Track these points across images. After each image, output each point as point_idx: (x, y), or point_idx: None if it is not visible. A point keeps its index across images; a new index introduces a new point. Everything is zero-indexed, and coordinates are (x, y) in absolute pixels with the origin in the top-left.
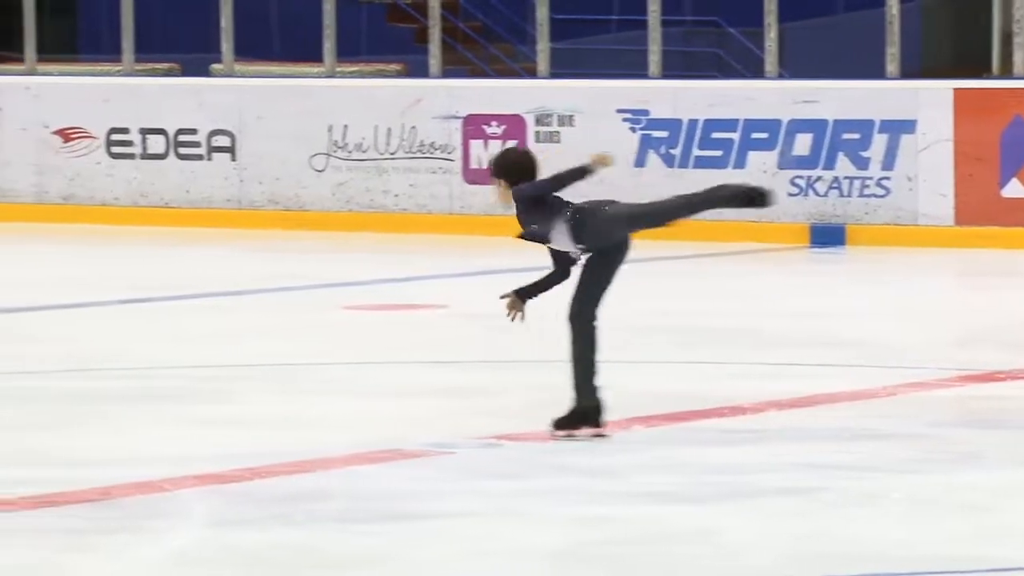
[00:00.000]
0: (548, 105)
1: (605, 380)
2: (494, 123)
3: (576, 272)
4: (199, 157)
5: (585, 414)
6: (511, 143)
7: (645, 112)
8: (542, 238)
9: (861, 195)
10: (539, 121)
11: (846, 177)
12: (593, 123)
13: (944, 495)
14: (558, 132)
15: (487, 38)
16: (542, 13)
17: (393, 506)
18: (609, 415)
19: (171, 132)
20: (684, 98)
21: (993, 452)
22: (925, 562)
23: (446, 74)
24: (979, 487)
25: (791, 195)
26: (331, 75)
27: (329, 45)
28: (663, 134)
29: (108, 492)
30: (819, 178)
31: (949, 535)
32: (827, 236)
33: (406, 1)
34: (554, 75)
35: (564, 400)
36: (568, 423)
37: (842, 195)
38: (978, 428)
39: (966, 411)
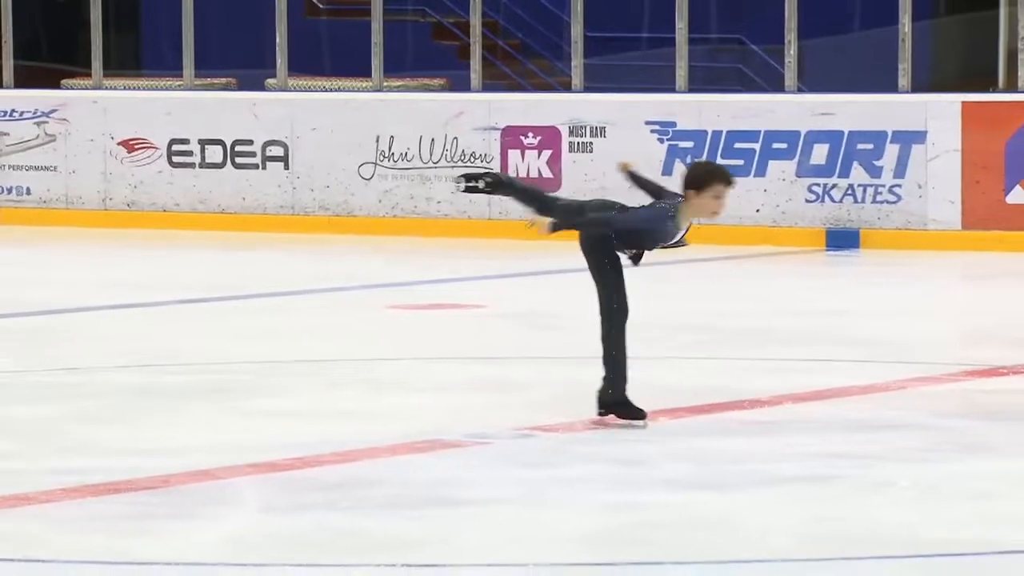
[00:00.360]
0: (581, 117)
1: (634, 376)
2: (531, 134)
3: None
4: (254, 166)
5: (619, 405)
6: (547, 152)
7: (672, 124)
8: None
9: (874, 201)
10: (573, 132)
11: (860, 185)
12: (623, 134)
13: (951, 483)
14: (591, 143)
15: (525, 55)
16: (576, 31)
17: (434, 493)
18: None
19: (228, 143)
20: (709, 111)
21: (997, 442)
22: (933, 545)
23: (486, 88)
24: (984, 475)
25: (808, 201)
26: (378, 89)
27: (377, 61)
28: (689, 144)
29: (167, 480)
30: (835, 185)
31: (956, 520)
32: (842, 240)
33: (449, 20)
34: (587, 89)
35: (593, 394)
36: (624, 414)
37: (856, 201)
38: (983, 420)
39: (972, 404)
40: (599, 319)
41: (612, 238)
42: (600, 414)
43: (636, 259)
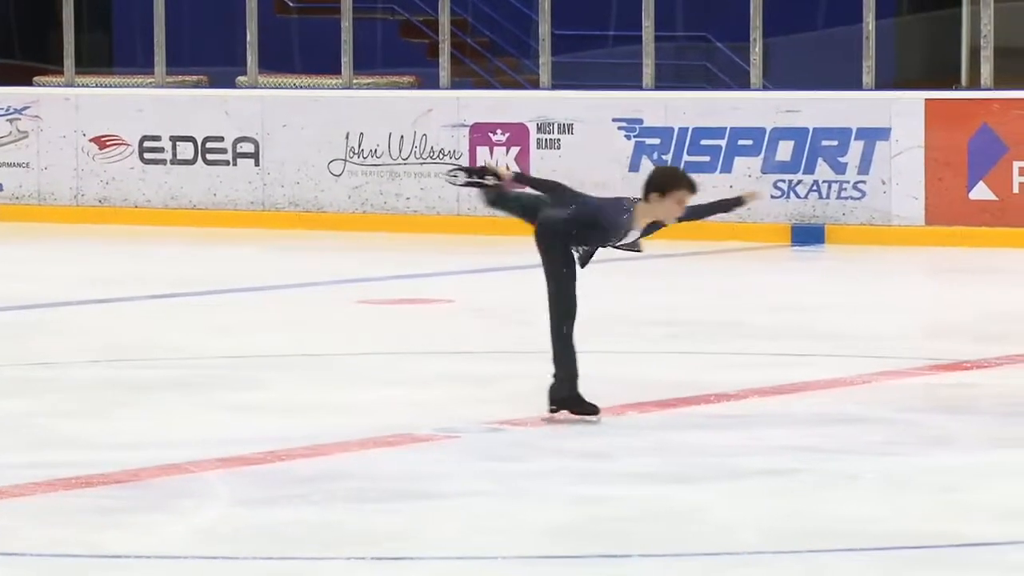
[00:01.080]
0: (549, 114)
1: (603, 370)
2: (499, 131)
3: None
4: (225, 163)
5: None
6: (515, 149)
7: (639, 121)
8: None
9: (839, 197)
10: (541, 129)
11: (825, 181)
12: (591, 131)
13: (916, 475)
14: (559, 139)
15: (493, 52)
16: (544, 29)
17: (405, 486)
18: (605, 402)
19: (199, 139)
20: (675, 108)
21: (961, 436)
22: (898, 537)
23: (455, 86)
24: (948, 468)
25: (774, 197)
26: (348, 87)
27: (346, 59)
28: (656, 141)
29: (138, 474)
30: (800, 182)
31: (921, 512)
32: (807, 235)
33: (419, 18)
34: (555, 86)
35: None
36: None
37: (821, 197)
38: (947, 413)
39: (936, 397)
40: (548, 315)
41: (569, 234)
42: (552, 411)
43: (585, 260)
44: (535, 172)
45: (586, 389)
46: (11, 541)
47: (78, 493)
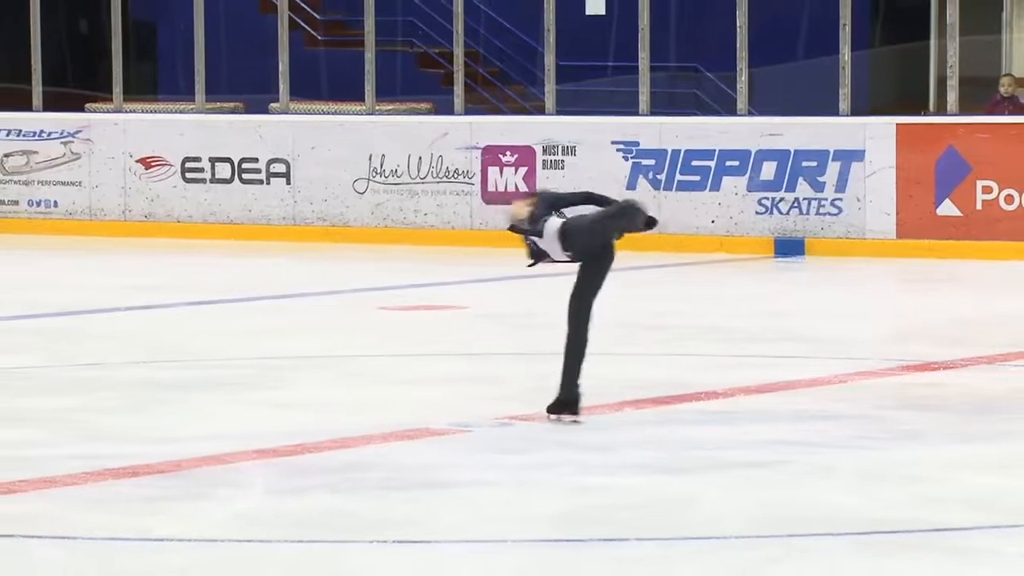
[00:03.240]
0: (554, 137)
1: (602, 371)
2: (508, 153)
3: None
4: (260, 182)
5: (567, 403)
6: (523, 169)
7: (636, 143)
8: (538, 250)
9: (818, 213)
10: (546, 151)
11: (805, 198)
12: (592, 153)
13: (888, 468)
14: (562, 160)
15: (503, 81)
16: (549, 60)
17: (422, 476)
18: (604, 399)
19: (236, 160)
20: (669, 132)
21: (930, 430)
22: (873, 524)
23: (468, 112)
24: (918, 461)
25: (758, 213)
26: (371, 112)
27: (369, 87)
28: (651, 162)
29: (179, 465)
30: (782, 199)
31: (893, 502)
32: (789, 248)
33: (435, 50)
34: (559, 112)
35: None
36: (556, 409)
37: (802, 213)
38: (917, 410)
39: (906, 396)
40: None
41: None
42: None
43: (537, 259)
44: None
45: (588, 387)
46: (65, 526)
47: (125, 482)
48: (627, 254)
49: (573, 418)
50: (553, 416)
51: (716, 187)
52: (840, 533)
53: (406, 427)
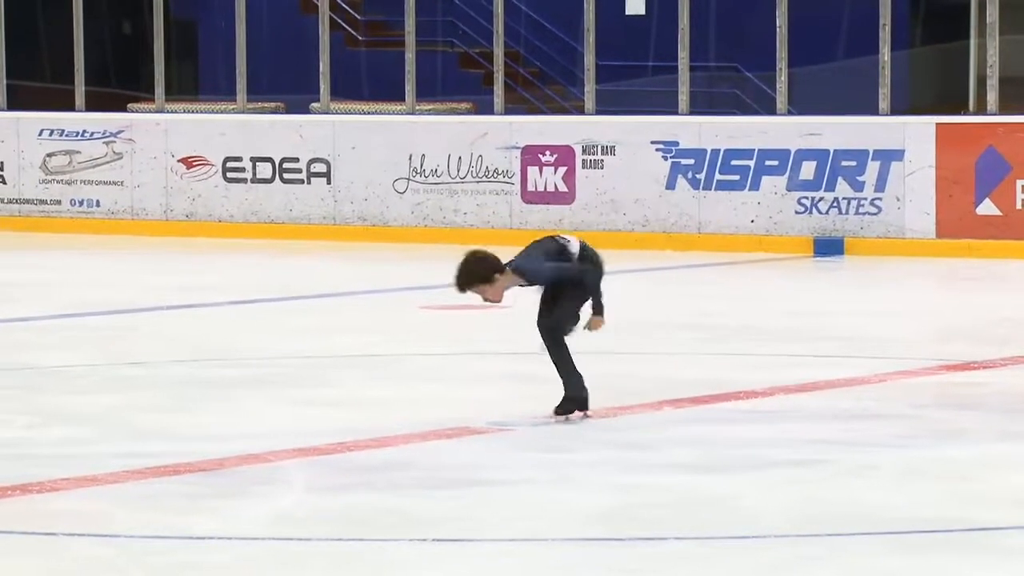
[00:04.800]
0: (593, 137)
1: (642, 370)
2: (548, 152)
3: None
4: (300, 181)
5: (575, 401)
6: (563, 169)
7: (675, 143)
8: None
9: (857, 213)
10: (585, 151)
11: (844, 198)
12: (631, 152)
13: (929, 466)
14: (602, 160)
15: (543, 81)
16: (589, 60)
17: (463, 475)
18: (644, 398)
19: (277, 160)
20: (708, 131)
21: (969, 429)
22: (913, 522)
23: (508, 111)
24: (959, 459)
25: (798, 213)
26: (411, 112)
27: (410, 87)
28: (690, 162)
29: (222, 463)
30: (822, 198)
31: (934, 500)
32: (828, 247)
33: (475, 50)
34: (599, 112)
35: (605, 386)
36: (564, 409)
37: (841, 213)
38: (957, 409)
39: (946, 395)
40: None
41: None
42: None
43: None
44: (579, 191)
45: (628, 387)
46: (108, 524)
47: (167, 480)
48: (666, 254)
49: (583, 414)
50: (561, 416)
51: (755, 187)
52: (881, 532)
53: (447, 426)
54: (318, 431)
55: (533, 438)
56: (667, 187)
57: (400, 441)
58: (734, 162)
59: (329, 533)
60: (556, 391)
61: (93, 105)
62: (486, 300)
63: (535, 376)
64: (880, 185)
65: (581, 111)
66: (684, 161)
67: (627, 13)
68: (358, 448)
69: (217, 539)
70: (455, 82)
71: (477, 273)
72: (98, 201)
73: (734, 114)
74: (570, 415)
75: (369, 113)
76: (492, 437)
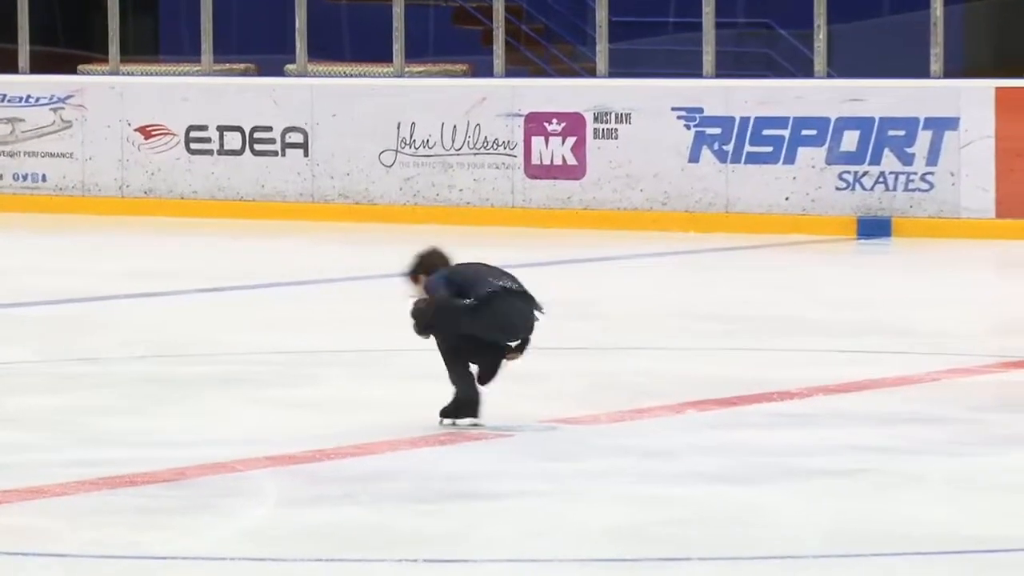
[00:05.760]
0: (606, 103)
1: (661, 367)
2: (555, 120)
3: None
4: (274, 153)
5: (465, 404)
6: (572, 139)
7: (699, 110)
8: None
9: (906, 189)
10: (598, 119)
11: (891, 172)
12: (649, 121)
13: (986, 477)
14: (616, 129)
15: (548, 39)
16: (601, 15)
17: (456, 487)
18: (663, 400)
19: (247, 129)
20: (736, 97)
21: None
22: (969, 541)
23: (509, 74)
24: (1020, 469)
25: (839, 189)
26: (399, 75)
27: (398, 46)
28: (716, 131)
29: (182, 472)
30: (866, 173)
31: (990, 515)
32: (874, 228)
33: (472, 5)
34: (612, 74)
35: (618, 385)
36: (451, 413)
37: (888, 189)
38: (1018, 412)
39: (1007, 396)
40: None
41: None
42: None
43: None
44: (590, 164)
45: (645, 386)
46: (51, 542)
47: (121, 492)
48: (689, 236)
49: (472, 421)
50: (447, 421)
51: (791, 160)
52: (930, 552)
53: (438, 431)
54: (293, 437)
55: (536, 445)
56: (690, 160)
57: (385, 448)
58: (766, 132)
59: (305, 552)
60: (564, 392)
61: (39, 66)
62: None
63: (540, 374)
64: (932, 158)
65: (592, 73)
66: (709, 130)
67: None
68: (338, 456)
69: (178, 559)
70: (449, 41)
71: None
72: (45, 176)
73: (766, 77)
74: (457, 420)
75: (352, 76)
76: (490, 443)
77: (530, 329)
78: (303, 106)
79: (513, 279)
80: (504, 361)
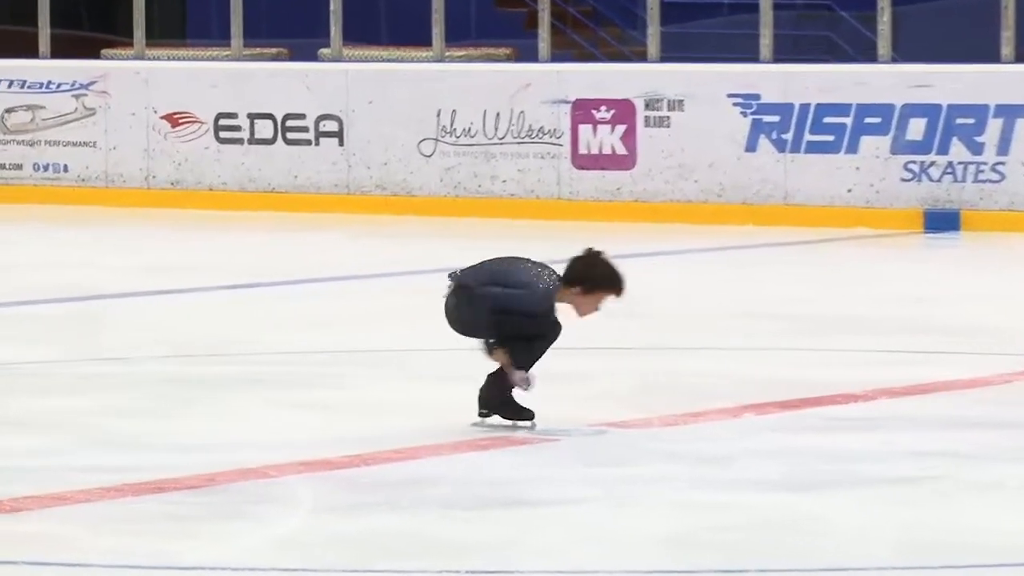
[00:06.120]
0: (658, 89)
1: (717, 368)
2: (603, 108)
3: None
4: (307, 142)
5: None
6: (621, 128)
7: (756, 96)
8: None
9: (976, 180)
10: (648, 106)
11: (960, 162)
12: (703, 108)
13: None
14: (668, 117)
15: (597, 22)
16: None
17: (500, 493)
18: (719, 402)
19: (279, 117)
20: (795, 82)
21: None
22: None
23: (555, 58)
24: None
25: (904, 180)
26: (440, 59)
27: (438, 29)
28: (774, 119)
29: (212, 478)
30: (933, 163)
31: None
32: (941, 222)
33: None
34: (664, 59)
35: (671, 387)
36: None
37: (956, 180)
38: None
39: None
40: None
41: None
42: (482, 415)
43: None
44: (641, 154)
45: (699, 388)
46: (74, 551)
47: (148, 499)
48: (746, 229)
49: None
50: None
51: (853, 149)
52: (1004, 564)
53: (480, 435)
54: (328, 440)
55: (584, 449)
56: (746, 149)
57: (425, 452)
58: (827, 119)
59: (341, 562)
60: (613, 394)
61: (60, 51)
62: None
63: (587, 375)
64: (1003, 147)
65: (643, 58)
66: (767, 118)
67: None
68: (376, 461)
69: (208, 569)
70: (492, 23)
71: None
72: (66, 166)
73: (826, 61)
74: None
75: (389, 60)
76: (534, 448)
77: (453, 326)
78: (338, 92)
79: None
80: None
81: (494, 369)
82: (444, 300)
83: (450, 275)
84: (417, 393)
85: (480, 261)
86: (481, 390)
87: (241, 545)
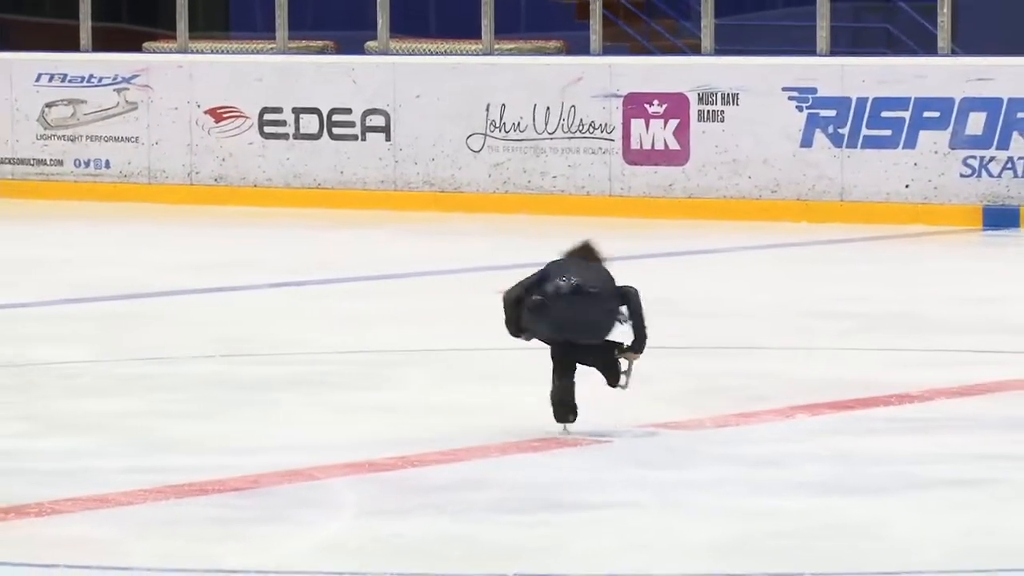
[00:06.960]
0: (712, 83)
1: (771, 368)
2: (656, 102)
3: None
4: (353, 137)
5: (554, 407)
6: (674, 122)
7: (812, 90)
8: None
9: None
10: (702, 99)
11: (1021, 157)
12: (758, 101)
13: None
14: (722, 111)
15: (649, 14)
16: None
17: (550, 496)
18: (772, 403)
19: (325, 112)
20: (853, 75)
21: None
22: None
23: (607, 51)
24: None
25: (963, 176)
26: (489, 52)
27: (487, 21)
28: (831, 113)
29: (257, 481)
30: (993, 158)
31: None
32: (1001, 218)
33: None
34: (718, 52)
35: (724, 388)
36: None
37: (1017, 176)
38: None
39: None
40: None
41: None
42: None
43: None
44: (694, 149)
45: (753, 389)
46: (116, 555)
47: (191, 502)
48: (801, 226)
49: (562, 426)
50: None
51: (911, 144)
52: None
53: (530, 436)
54: (374, 442)
55: (635, 451)
56: (802, 144)
57: (473, 455)
58: (884, 114)
59: (388, 567)
60: (665, 394)
61: (102, 44)
62: None
63: (639, 375)
64: None
65: (697, 50)
66: (823, 112)
67: None
68: (423, 463)
69: (252, 573)
70: (542, 15)
71: None
72: (108, 162)
73: (885, 54)
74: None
75: (437, 54)
76: (585, 450)
77: (578, 331)
78: (385, 86)
79: (571, 277)
80: (623, 361)
81: (565, 374)
82: (567, 307)
83: (567, 285)
84: (464, 393)
85: (556, 268)
86: (566, 395)
87: (285, 549)
